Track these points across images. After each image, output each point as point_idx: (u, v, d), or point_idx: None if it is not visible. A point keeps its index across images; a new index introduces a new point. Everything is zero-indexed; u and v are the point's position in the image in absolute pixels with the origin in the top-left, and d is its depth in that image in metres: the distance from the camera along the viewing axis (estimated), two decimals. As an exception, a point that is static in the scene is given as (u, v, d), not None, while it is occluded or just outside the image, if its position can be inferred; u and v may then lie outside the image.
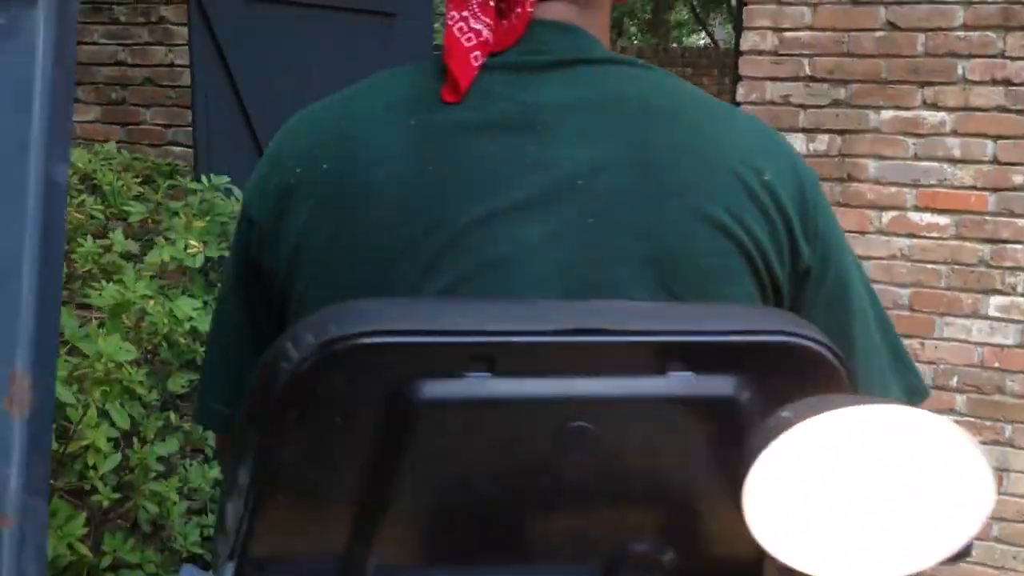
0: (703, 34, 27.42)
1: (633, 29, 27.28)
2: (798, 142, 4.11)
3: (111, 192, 3.39)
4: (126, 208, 3.37)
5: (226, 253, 3.42)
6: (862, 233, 4.07)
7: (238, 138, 4.22)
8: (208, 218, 3.34)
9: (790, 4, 4.07)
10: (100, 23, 4.99)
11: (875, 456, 0.80)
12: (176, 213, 3.35)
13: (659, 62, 12.06)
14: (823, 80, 4.06)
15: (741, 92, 4.17)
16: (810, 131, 4.09)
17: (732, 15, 25.50)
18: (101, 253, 2.97)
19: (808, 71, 4.08)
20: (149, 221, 3.40)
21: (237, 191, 3.53)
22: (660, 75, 1.09)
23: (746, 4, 4.13)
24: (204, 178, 3.50)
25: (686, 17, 26.97)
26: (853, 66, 4.02)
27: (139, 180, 3.72)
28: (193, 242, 3.11)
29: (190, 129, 4.83)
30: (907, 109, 3.97)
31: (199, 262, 3.11)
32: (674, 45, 23.97)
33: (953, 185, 3.96)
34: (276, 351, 0.87)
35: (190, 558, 3.06)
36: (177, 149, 4.98)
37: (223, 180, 3.53)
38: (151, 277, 2.98)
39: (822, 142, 4.08)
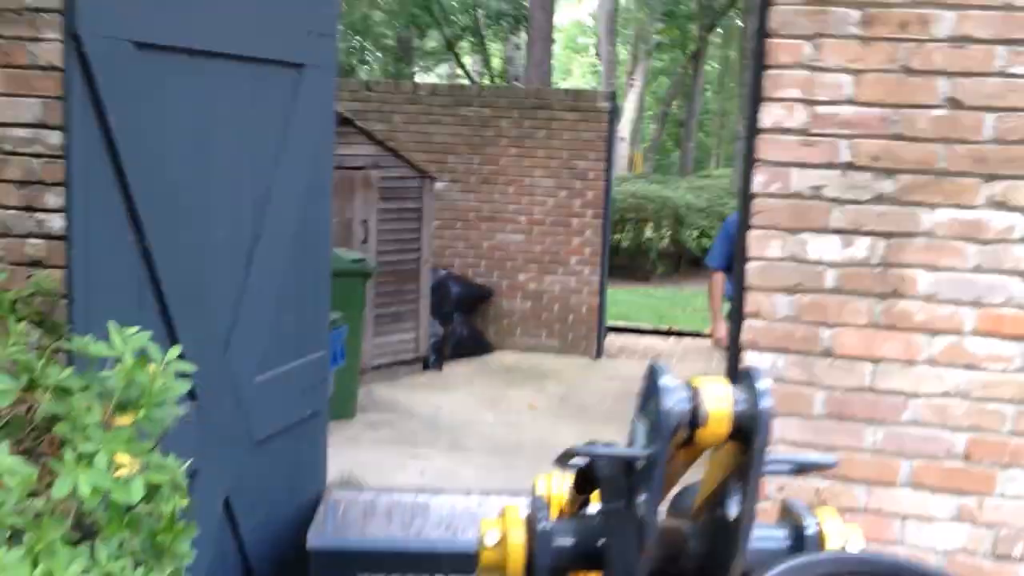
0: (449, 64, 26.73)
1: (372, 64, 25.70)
2: (830, 247, 3.20)
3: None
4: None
5: (177, 475, 2.14)
6: (909, 363, 3.19)
7: (121, 248, 2.84)
8: (140, 408, 2.06)
9: (826, 70, 3.15)
10: None
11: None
12: (66, 391, 2.05)
13: (455, 101, 11.08)
14: (865, 168, 3.17)
15: (759, 181, 3.21)
16: (846, 232, 3.19)
17: (480, 44, 24.87)
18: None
19: (847, 156, 3.17)
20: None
21: (152, 349, 2.21)
22: None
23: (767, 68, 3.18)
24: (116, 335, 2.17)
25: (435, 45, 26.04)
26: (903, 152, 3.14)
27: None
28: (121, 457, 1.85)
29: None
30: (968, 208, 3.13)
31: (136, 494, 1.85)
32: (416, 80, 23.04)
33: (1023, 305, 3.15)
34: None
35: None
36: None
37: (144, 339, 2.22)
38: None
39: (861, 247, 3.18)
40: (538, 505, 1.76)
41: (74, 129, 2.67)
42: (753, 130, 3.22)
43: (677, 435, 1.60)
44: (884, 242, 3.18)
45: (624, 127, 24.45)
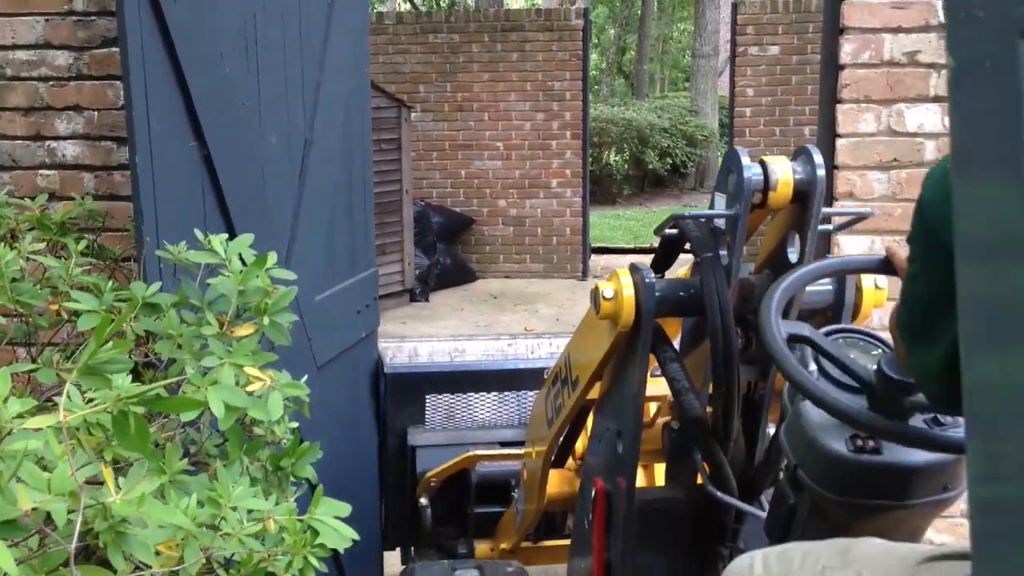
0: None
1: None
2: (929, 117, 3.01)
3: (5, 280, 1.77)
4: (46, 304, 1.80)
5: (303, 391, 1.91)
6: None
7: (185, 155, 2.51)
8: (263, 314, 1.82)
9: (916, -76, 2.94)
10: None
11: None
12: (154, 307, 1.79)
13: (422, 29, 10.73)
14: (962, 30, 2.96)
15: (848, 51, 3.00)
16: (946, 100, 2.99)
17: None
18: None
19: (943, 16, 2.97)
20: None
21: (248, 255, 1.97)
22: None
23: (851, -75, 2.96)
24: (214, 240, 1.92)
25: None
26: (1002, 10, 2.94)
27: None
28: (252, 371, 1.61)
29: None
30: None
31: (276, 411, 1.62)
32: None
33: None
34: None
35: None
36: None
37: (245, 243, 1.98)
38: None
39: (962, 115, 2.99)
40: (641, 267, 2.24)
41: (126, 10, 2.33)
42: (838, -5, 3.01)
43: (753, 198, 2.10)
44: (985, 108, 2.98)
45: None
